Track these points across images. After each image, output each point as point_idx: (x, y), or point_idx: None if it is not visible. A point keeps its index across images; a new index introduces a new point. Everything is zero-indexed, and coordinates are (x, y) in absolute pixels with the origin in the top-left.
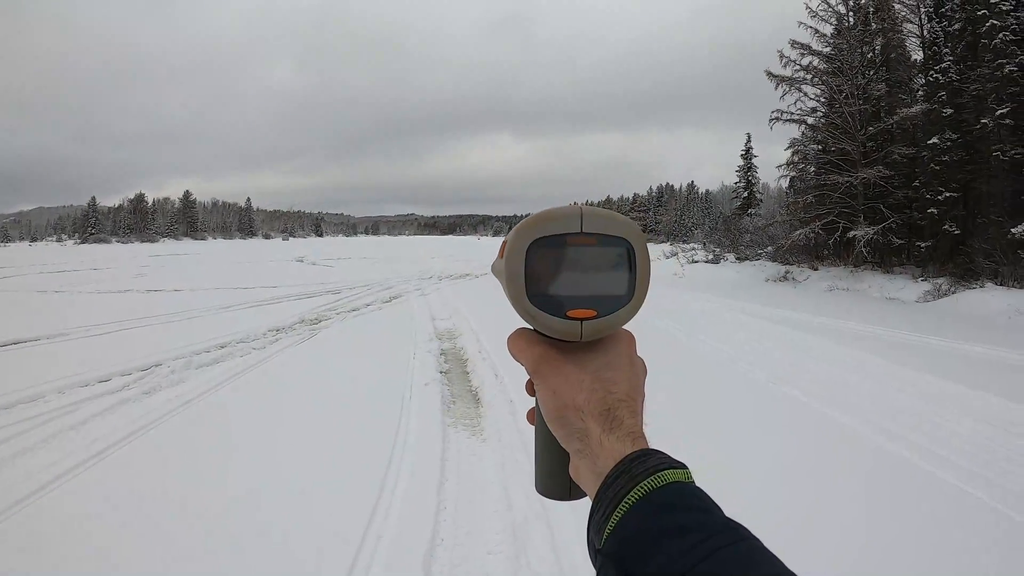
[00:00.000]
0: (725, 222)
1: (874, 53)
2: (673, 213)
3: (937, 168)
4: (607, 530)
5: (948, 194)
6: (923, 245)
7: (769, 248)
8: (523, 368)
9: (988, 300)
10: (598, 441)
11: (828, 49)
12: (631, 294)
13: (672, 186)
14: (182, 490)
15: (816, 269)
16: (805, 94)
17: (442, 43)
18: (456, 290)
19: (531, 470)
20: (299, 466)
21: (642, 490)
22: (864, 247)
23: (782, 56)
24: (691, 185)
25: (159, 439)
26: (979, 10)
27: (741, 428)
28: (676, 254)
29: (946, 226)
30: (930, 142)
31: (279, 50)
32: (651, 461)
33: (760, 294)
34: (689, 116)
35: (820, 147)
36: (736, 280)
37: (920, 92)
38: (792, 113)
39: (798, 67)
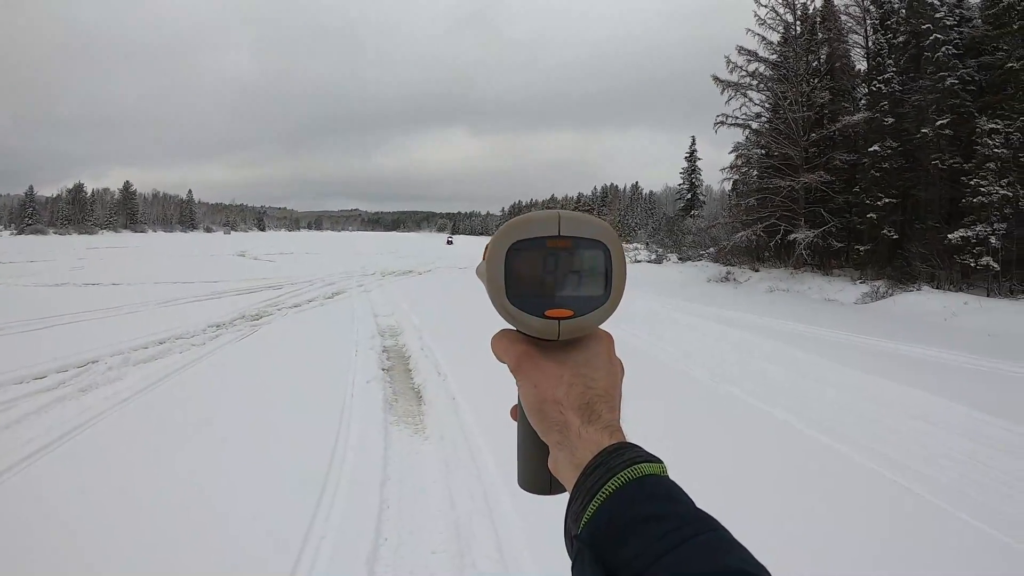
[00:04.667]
0: (668, 223)
1: (819, 62)
2: (617, 213)
3: (877, 175)
4: (584, 519)
5: (887, 200)
6: (862, 249)
7: (711, 249)
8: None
9: (924, 302)
10: (577, 433)
11: (774, 56)
12: (607, 295)
13: (616, 186)
14: (120, 490)
15: (757, 270)
16: (750, 99)
17: (403, 38)
18: (400, 287)
19: (474, 468)
20: (239, 465)
21: (619, 481)
22: (804, 250)
23: (729, 62)
24: (635, 186)
25: (96, 438)
26: (924, 24)
27: (683, 427)
28: None
29: (885, 231)
30: (871, 149)
31: (232, 37)
32: (628, 454)
33: (702, 294)
34: (641, 118)
35: (763, 151)
36: (678, 280)
37: (863, 101)
38: (737, 118)
39: (744, 73)
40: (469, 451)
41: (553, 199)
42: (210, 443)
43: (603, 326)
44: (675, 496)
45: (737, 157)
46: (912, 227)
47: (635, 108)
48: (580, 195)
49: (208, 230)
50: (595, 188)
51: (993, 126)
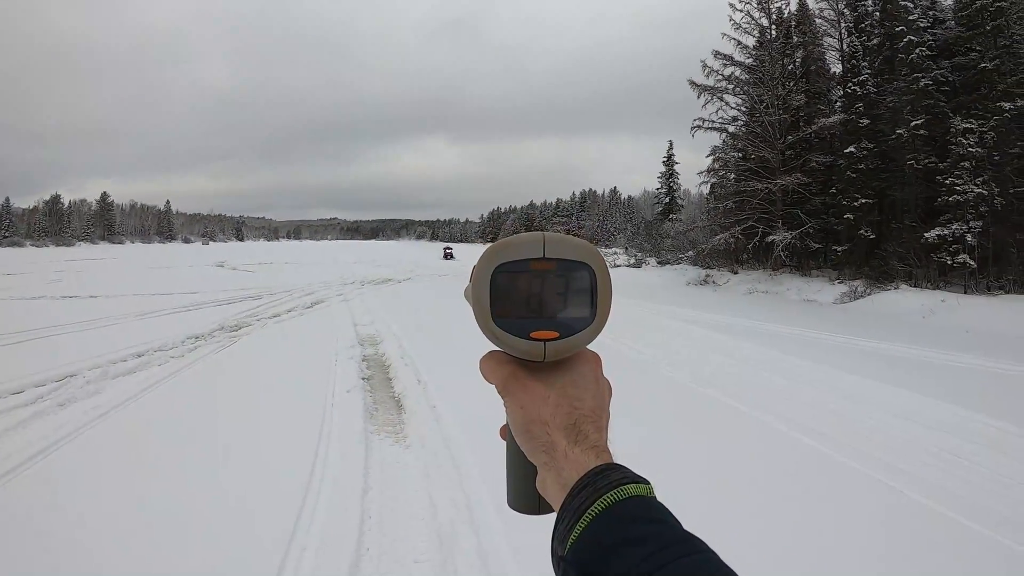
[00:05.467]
0: (647, 227)
1: (795, 65)
2: (596, 218)
3: (853, 176)
4: (570, 540)
5: (864, 200)
6: (840, 249)
7: (690, 252)
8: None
9: (902, 301)
10: (563, 453)
11: (750, 60)
12: (593, 316)
13: (595, 191)
14: (98, 507)
15: (736, 273)
16: (727, 103)
17: (383, 46)
18: (379, 296)
19: (456, 475)
20: (220, 476)
21: (605, 502)
22: (783, 251)
23: (705, 66)
24: (614, 191)
25: (74, 454)
26: (898, 26)
27: (665, 431)
28: None
29: (862, 231)
30: (847, 151)
31: (209, 46)
32: (614, 475)
33: (681, 297)
34: (620, 124)
35: (740, 155)
36: (658, 284)
37: (838, 103)
38: (714, 121)
39: (720, 77)
40: (451, 458)
41: (532, 205)
42: (190, 455)
43: (590, 346)
44: (661, 517)
45: (714, 161)
46: (889, 227)
47: (614, 114)
48: (559, 200)
49: (187, 241)
50: (574, 193)
51: (967, 125)
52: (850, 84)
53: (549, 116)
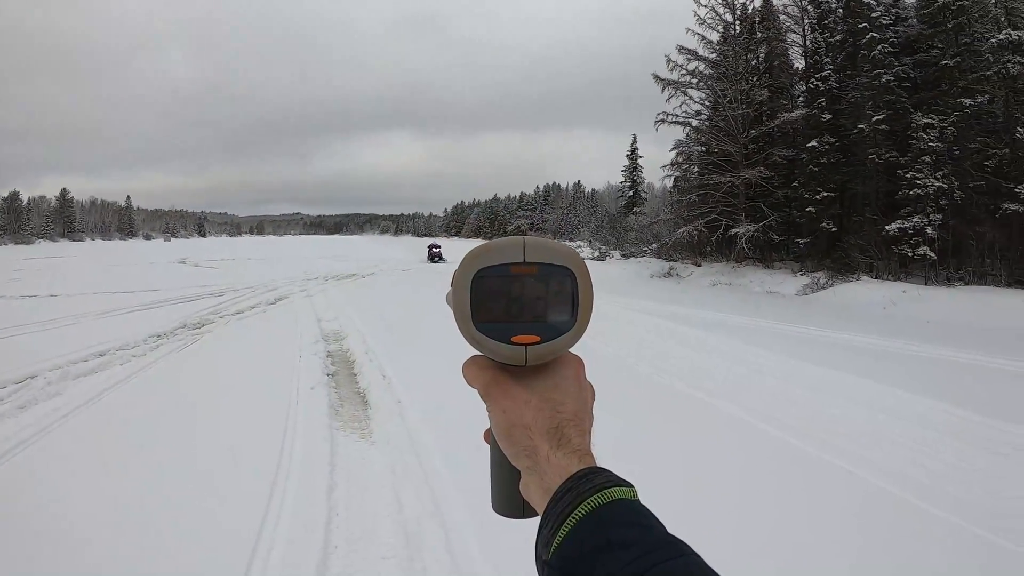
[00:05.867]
0: (611, 220)
1: (758, 60)
2: (559, 212)
3: (815, 169)
4: (554, 544)
5: (825, 194)
6: (802, 242)
7: (654, 245)
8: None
9: (864, 292)
10: (546, 458)
11: (714, 55)
12: (574, 320)
13: (559, 185)
14: (64, 510)
15: (699, 265)
16: (690, 98)
17: (350, 40)
18: (343, 291)
19: (421, 471)
20: (185, 476)
21: (588, 506)
22: (745, 244)
23: (669, 60)
24: (577, 184)
25: (35, 457)
26: (860, 23)
27: (635, 424)
28: None
29: (824, 224)
30: (809, 145)
31: (169, 42)
32: (598, 479)
33: (645, 290)
34: (583, 118)
35: (704, 148)
36: (622, 276)
37: (801, 98)
38: (678, 116)
39: (685, 71)
40: (415, 454)
41: (496, 199)
42: (154, 456)
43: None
44: (644, 521)
45: (678, 154)
46: (850, 220)
47: (578, 109)
48: (523, 194)
49: (148, 237)
50: (538, 187)
51: (928, 121)
52: (813, 79)
53: (513, 111)
